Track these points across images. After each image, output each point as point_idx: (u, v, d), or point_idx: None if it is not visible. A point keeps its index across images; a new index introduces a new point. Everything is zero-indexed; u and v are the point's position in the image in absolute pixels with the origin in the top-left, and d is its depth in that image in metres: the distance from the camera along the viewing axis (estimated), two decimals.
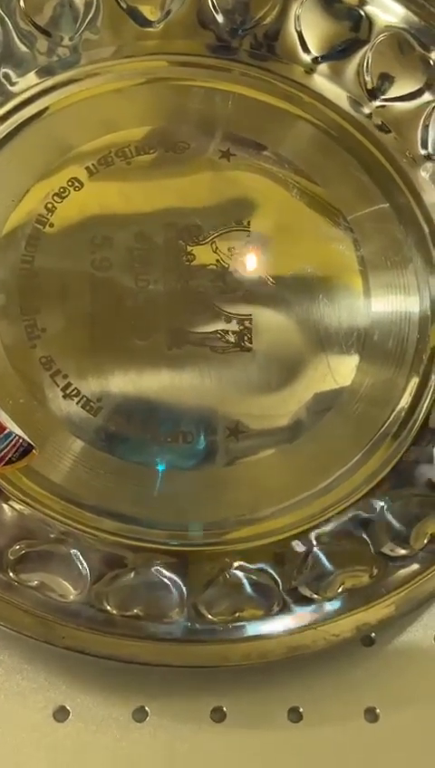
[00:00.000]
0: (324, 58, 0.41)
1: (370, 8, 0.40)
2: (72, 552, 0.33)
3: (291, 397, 0.37)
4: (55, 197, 0.37)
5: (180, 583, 0.33)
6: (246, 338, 0.37)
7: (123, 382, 0.36)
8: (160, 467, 0.35)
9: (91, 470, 0.35)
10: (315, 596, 0.33)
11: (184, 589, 0.33)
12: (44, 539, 0.33)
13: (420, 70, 0.40)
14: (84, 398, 0.35)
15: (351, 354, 0.38)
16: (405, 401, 0.38)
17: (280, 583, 0.34)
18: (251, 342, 0.37)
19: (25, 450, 0.33)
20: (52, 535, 0.34)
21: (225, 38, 0.41)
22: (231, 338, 0.37)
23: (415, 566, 0.34)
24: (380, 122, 0.41)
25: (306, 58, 0.41)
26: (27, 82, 0.39)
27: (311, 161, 0.40)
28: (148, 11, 0.40)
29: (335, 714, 0.33)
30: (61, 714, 0.32)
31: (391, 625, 0.34)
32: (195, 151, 0.39)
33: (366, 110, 0.41)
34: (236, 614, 0.33)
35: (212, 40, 0.41)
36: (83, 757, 0.31)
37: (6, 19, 0.38)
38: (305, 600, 0.33)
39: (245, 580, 0.34)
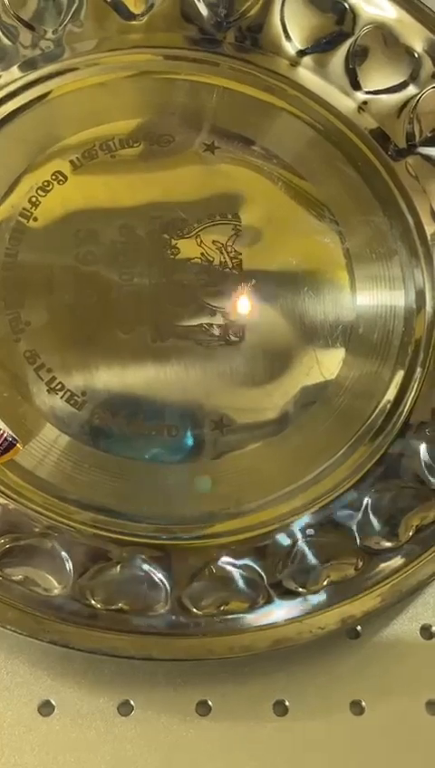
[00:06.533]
0: (309, 51, 0.41)
1: (354, 0, 0.40)
2: (56, 546, 0.33)
3: (276, 390, 0.37)
4: (39, 191, 0.37)
5: (165, 577, 0.33)
6: (230, 331, 0.37)
7: (108, 376, 0.35)
8: (147, 461, 0.35)
9: (75, 464, 0.35)
10: (301, 589, 0.33)
11: (169, 582, 0.33)
12: (29, 533, 0.33)
13: (405, 62, 0.40)
14: (69, 392, 0.35)
15: (336, 347, 0.38)
16: (391, 394, 0.38)
17: (265, 577, 0.33)
18: (236, 336, 0.37)
19: (9, 445, 0.33)
20: (36, 529, 0.33)
21: (209, 31, 0.41)
22: (216, 331, 0.37)
23: (400, 558, 0.34)
24: (365, 115, 0.41)
25: (291, 51, 0.41)
26: (10, 76, 0.39)
27: (296, 154, 0.40)
28: (131, 3, 0.40)
29: (321, 707, 0.33)
30: (46, 708, 0.32)
31: (376, 617, 0.34)
32: (179, 144, 0.39)
33: (351, 103, 0.41)
34: (221, 607, 0.33)
35: (196, 33, 0.41)
36: (69, 751, 0.31)
37: None
38: (291, 593, 0.33)
39: (230, 574, 0.34)
